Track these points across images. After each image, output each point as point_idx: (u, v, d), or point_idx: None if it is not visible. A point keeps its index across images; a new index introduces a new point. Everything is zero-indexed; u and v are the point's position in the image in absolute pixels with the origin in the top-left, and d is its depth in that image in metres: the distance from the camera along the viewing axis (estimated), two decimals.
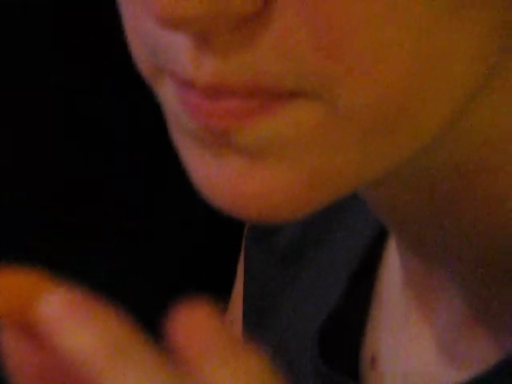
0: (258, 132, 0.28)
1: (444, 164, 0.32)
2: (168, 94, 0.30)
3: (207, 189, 0.30)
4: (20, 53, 0.92)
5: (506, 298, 0.34)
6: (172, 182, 0.92)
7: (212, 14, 0.26)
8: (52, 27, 0.89)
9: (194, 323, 0.23)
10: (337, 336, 0.41)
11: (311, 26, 0.27)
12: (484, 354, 0.34)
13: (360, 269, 0.41)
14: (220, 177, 0.29)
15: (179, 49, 0.28)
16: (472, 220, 0.33)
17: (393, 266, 0.40)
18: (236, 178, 0.29)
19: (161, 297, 0.99)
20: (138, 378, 0.23)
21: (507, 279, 0.34)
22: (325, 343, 0.40)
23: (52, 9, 0.90)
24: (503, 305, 0.34)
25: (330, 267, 0.44)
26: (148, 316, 0.40)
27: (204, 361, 0.23)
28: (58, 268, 0.32)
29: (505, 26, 0.28)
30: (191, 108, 0.28)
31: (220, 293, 0.43)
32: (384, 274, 0.41)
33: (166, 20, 0.26)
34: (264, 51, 0.27)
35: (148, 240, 0.96)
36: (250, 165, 0.29)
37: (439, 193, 0.33)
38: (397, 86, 0.28)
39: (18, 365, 0.25)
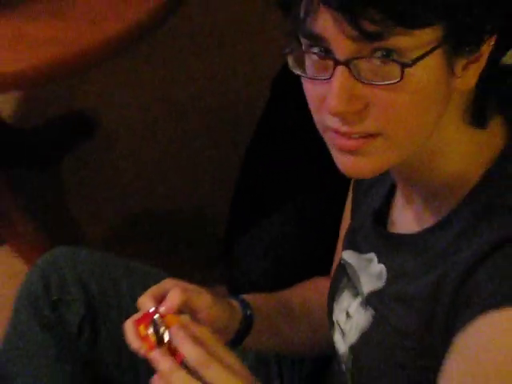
0: (364, 148, 0.87)
1: (419, 152, 0.94)
2: (328, 136, 0.89)
3: (342, 168, 0.89)
4: None
5: (426, 199, 1.01)
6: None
7: (348, 110, 0.85)
8: None
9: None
10: (382, 215, 1.09)
11: (384, 117, 0.86)
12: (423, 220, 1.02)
13: (388, 193, 1.10)
14: (348, 164, 0.90)
15: (335, 121, 0.87)
16: (426, 170, 0.96)
17: (398, 194, 1.08)
18: (354, 165, 0.90)
19: None
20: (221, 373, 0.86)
21: (425, 193, 1.01)
22: (377, 219, 1.09)
23: None
24: (425, 202, 1.01)
25: (377, 194, 1.13)
26: None
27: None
28: None
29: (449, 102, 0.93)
30: (340, 142, 0.88)
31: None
32: (396, 196, 1.09)
33: (333, 113, 0.85)
34: (366, 124, 0.86)
35: None
36: (357, 161, 0.90)
37: (415, 161, 0.95)
38: (414, 135, 0.90)
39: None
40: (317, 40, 0.89)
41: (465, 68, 0.93)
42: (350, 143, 0.92)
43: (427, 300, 0.97)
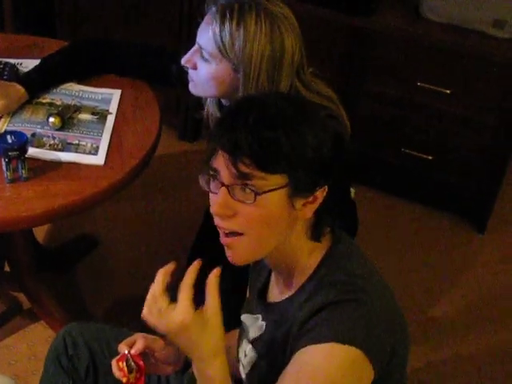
0: (234, 244, 1.16)
1: (280, 252, 1.18)
2: (220, 235, 1.17)
3: (227, 257, 1.17)
4: None
5: (286, 279, 1.24)
6: None
7: (223, 213, 1.13)
8: None
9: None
10: (264, 289, 1.31)
11: (245, 223, 1.14)
12: (287, 292, 1.25)
13: (268, 275, 1.30)
14: (228, 254, 1.18)
15: (217, 219, 1.14)
16: (286, 262, 1.21)
17: (272, 275, 1.28)
18: (230, 255, 1.17)
19: None
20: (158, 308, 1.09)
21: (283, 275, 1.24)
22: (260, 293, 1.31)
23: None
24: (286, 280, 1.24)
25: (262, 275, 1.33)
26: None
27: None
28: None
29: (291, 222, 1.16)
30: (222, 238, 1.17)
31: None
32: (272, 277, 1.29)
33: (215, 214, 1.14)
34: (235, 224, 1.14)
35: None
36: (232, 253, 1.17)
37: (279, 257, 1.20)
38: (267, 239, 1.16)
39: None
40: (215, 171, 1.13)
41: (304, 205, 1.14)
42: (225, 240, 1.17)
43: (283, 341, 1.20)
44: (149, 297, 1.11)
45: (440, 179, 2.87)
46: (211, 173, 1.14)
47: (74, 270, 2.51)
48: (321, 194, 1.15)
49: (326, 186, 1.15)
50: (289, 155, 1.10)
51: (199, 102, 1.76)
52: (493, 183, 2.76)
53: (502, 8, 2.47)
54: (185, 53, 1.66)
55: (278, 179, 1.11)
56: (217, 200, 1.14)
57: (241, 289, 1.47)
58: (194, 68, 1.62)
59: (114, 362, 1.27)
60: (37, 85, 1.92)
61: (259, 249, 1.18)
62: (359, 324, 1.10)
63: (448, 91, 2.58)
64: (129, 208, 2.80)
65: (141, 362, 1.27)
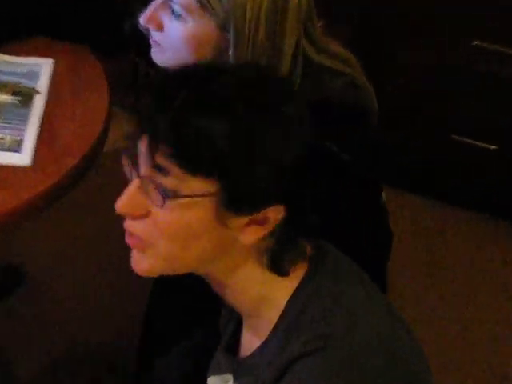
0: (140, 248, 1.15)
1: (227, 280, 1.16)
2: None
3: (131, 262, 1.17)
4: None
5: (253, 324, 1.22)
6: None
7: (123, 213, 1.11)
8: None
9: None
10: (233, 344, 1.31)
11: (152, 228, 1.10)
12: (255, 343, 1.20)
13: (237, 327, 1.31)
14: (132, 258, 1.16)
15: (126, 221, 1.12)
16: (245, 300, 1.18)
17: (243, 328, 1.30)
18: (134, 259, 1.15)
19: None
20: None
21: (250, 320, 1.22)
22: (229, 348, 1.30)
23: None
24: (253, 326, 1.23)
25: (230, 328, 1.33)
26: None
27: None
28: None
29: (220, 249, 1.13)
30: (127, 238, 1.17)
31: None
32: (242, 330, 1.30)
33: (116, 209, 1.11)
34: (141, 228, 1.12)
35: None
36: (138, 256, 1.15)
37: (227, 288, 1.19)
38: (176, 253, 1.13)
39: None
40: (135, 154, 1.13)
41: (248, 225, 1.12)
42: (128, 240, 1.17)
43: None
44: None
45: (506, 177, 2.81)
46: (133, 154, 1.14)
47: None
48: (273, 215, 1.12)
49: (283, 206, 1.12)
50: (222, 154, 1.08)
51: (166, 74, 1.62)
52: None
53: None
54: (143, 5, 1.57)
55: (203, 184, 1.09)
56: (124, 193, 1.15)
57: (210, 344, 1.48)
58: (160, 29, 1.55)
59: None
60: None
61: (167, 265, 1.20)
62: (341, 377, 1.10)
63: None
64: (67, 226, 2.74)
65: None
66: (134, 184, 1.14)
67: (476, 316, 2.65)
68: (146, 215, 1.14)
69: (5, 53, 1.89)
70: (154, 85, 1.20)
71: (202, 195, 1.10)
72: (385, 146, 1.76)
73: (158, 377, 1.71)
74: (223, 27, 1.48)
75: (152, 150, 1.10)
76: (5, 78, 1.83)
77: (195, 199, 1.10)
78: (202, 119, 1.09)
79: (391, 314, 1.23)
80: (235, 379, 1.30)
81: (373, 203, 1.67)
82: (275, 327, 1.20)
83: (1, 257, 2.62)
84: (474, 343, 2.52)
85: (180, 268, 1.20)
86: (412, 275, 2.62)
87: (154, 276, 1.21)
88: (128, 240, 1.17)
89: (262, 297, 1.21)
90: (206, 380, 1.44)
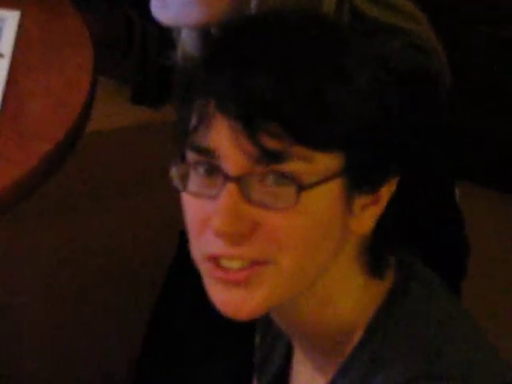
0: (249, 279, 0.91)
1: (309, 297, 0.98)
2: (208, 267, 0.90)
3: (220, 303, 0.92)
4: None
5: (316, 353, 1.05)
6: None
7: (234, 231, 0.88)
8: None
9: None
10: (281, 375, 1.14)
11: (274, 242, 0.88)
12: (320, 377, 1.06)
13: (287, 353, 1.12)
14: (227, 298, 0.92)
15: (219, 245, 0.89)
16: (316, 321, 1.00)
17: (295, 355, 1.12)
18: (234, 300, 0.92)
19: None
20: None
21: (314, 347, 1.04)
22: (276, 380, 1.16)
23: None
24: (316, 355, 1.05)
25: (277, 352, 1.17)
26: None
27: None
28: None
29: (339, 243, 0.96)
30: (221, 275, 0.90)
31: None
32: (294, 358, 1.12)
33: (219, 233, 0.88)
34: (254, 248, 0.89)
35: None
36: (239, 295, 0.92)
37: (305, 307, 0.99)
38: (306, 266, 0.93)
39: None
40: (206, 155, 0.92)
41: (363, 209, 0.98)
42: (237, 275, 0.94)
43: None
44: None
45: None
46: (200, 159, 0.95)
47: None
48: (387, 191, 1.01)
49: (396, 180, 1.03)
50: (346, 116, 0.95)
51: (166, 35, 1.55)
52: None
53: None
54: None
55: (330, 161, 0.95)
56: (221, 208, 0.93)
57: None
58: None
59: None
60: None
61: (293, 283, 1.02)
62: None
63: None
64: (44, 235, 2.50)
65: None
66: (231, 191, 0.93)
67: None
68: (251, 231, 0.94)
69: None
70: (220, 42, 1.04)
71: (333, 176, 0.95)
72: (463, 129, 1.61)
73: None
74: None
75: (252, 131, 0.91)
76: None
77: (325, 184, 0.95)
78: (311, 74, 0.96)
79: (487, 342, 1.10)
80: None
81: (446, 202, 1.54)
82: (353, 355, 1.04)
83: None
84: None
85: (303, 284, 1.03)
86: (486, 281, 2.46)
87: (263, 314, 1.04)
88: (235, 277, 0.97)
89: (352, 316, 1.06)
90: None
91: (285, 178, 0.94)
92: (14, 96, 1.58)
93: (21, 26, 1.72)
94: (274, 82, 0.94)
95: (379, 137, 0.99)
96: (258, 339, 1.26)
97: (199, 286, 1.04)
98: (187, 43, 1.48)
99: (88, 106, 1.60)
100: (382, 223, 1.03)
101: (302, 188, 0.92)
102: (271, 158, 0.92)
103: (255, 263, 0.96)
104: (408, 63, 1.35)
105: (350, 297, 1.05)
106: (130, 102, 2.88)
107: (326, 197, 0.97)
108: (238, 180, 0.92)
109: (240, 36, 1.01)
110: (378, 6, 1.40)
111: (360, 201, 0.99)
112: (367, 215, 1.01)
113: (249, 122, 0.92)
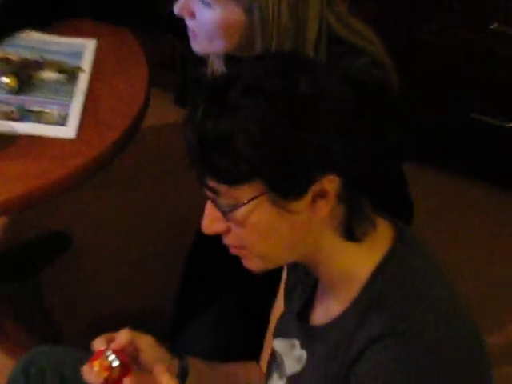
0: (241, 254, 1.14)
1: (309, 256, 1.15)
2: None
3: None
4: None
5: (334, 293, 1.18)
6: None
7: (213, 230, 1.13)
8: None
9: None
10: (306, 308, 1.26)
11: (239, 239, 1.11)
12: (334, 310, 1.18)
13: (312, 290, 1.27)
14: (243, 263, 1.15)
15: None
16: (323, 268, 1.16)
17: (318, 290, 1.26)
18: (245, 264, 1.15)
19: None
20: None
21: (330, 288, 1.19)
22: (300, 312, 1.26)
23: None
24: (333, 295, 1.19)
25: (302, 290, 1.29)
26: None
27: None
28: None
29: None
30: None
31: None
32: (317, 293, 1.26)
33: (204, 231, 1.14)
34: (232, 239, 1.12)
35: None
36: (245, 262, 1.15)
37: (311, 262, 1.16)
38: (272, 253, 1.13)
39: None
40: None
41: (313, 201, 1.10)
42: (232, 251, 1.18)
43: (334, 380, 1.15)
44: None
45: None
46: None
47: (38, 278, 2.50)
48: (329, 183, 1.09)
49: (334, 175, 1.09)
50: (250, 157, 1.06)
51: (199, 56, 1.69)
52: None
53: None
54: None
55: (249, 189, 1.08)
56: (204, 216, 1.16)
57: (259, 304, 1.51)
58: (193, 17, 1.56)
59: (85, 366, 1.22)
60: None
61: (271, 261, 1.19)
62: (419, 373, 1.06)
63: None
64: (108, 197, 2.80)
65: (125, 358, 1.23)
66: (208, 206, 1.16)
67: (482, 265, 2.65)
68: (228, 229, 1.16)
69: (51, 33, 1.95)
70: (191, 99, 1.16)
71: (255, 198, 1.10)
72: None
73: (188, 339, 1.74)
74: (249, 11, 1.49)
75: (201, 177, 1.12)
76: (51, 57, 1.88)
77: (251, 204, 1.10)
78: (221, 124, 1.07)
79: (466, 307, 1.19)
80: (303, 345, 1.29)
81: (397, 173, 1.69)
82: (356, 300, 1.18)
83: (48, 224, 2.67)
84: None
85: (277, 261, 1.21)
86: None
87: (267, 271, 1.23)
88: (232, 251, 1.20)
89: (347, 269, 1.19)
90: (232, 348, 1.53)
91: (217, 206, 1.13)
92: (92, 98, 1.80)
93: (97, 50, 1.93)
94: (199, 154, 1.10)
95: (287, 163, 1.09)
96: (284, 276, 1.41)
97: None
98: (213, 62, 1.68)
99: (144, 106, 1.81)
100: (350, 201, 1.15)
101: (224, 212, 1.12)
102: (213, 191, 1.11)
103: (237, 247, 1.17)
104: (370, 76, 1.49)
105: (344, 256, 1.18)
106: (174, 104, 3.18)
107: (257, 212, 1.11)
108: (210, 200, 1.14)
109: (193, 101, 1.13)
110: (348, 30, 1.55)
111: (300, 202, 1.11)
112: (319, 207, 1.12)
113: (199, 175, 1.11)
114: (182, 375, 1.35)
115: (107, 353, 1.23)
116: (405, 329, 1.08)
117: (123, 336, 1.25)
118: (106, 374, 1.20)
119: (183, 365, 1.35)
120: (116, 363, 1.21)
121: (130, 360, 1.25)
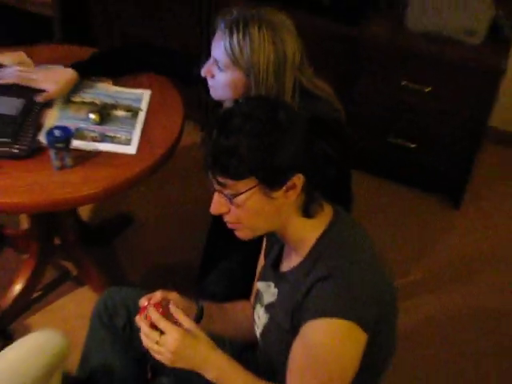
0: (236, 228, 1.15)
1: (280, 227, 1.16)
2: None
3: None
4: None
5: (294, 251, 1.20)
6: None
7: (218, 211, 1.14)
8: None
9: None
10: (277, 260, 1.27)
11: (236, 218, 1.14)
12: (294, 261, 1.19)
13: (281, 247, 1.28)
14: (237, 234, 1.17)
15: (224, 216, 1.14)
16: (288, 235, 1.17)
17: (285, 248, 1.24)
18: (238, 234, 1.16)
19: None
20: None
21: (292, 247, 1.20)
22: (274, 263, 1.27)
23: None
24: (294, 252, 1.22)
25: (275, 248, 1.26)
26: None
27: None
28: None
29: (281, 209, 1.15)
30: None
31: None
32: (284, 249, 1.25)
33: (211, 211, 1.15)
34: (231, 218, 1.13)
35: None
36: (238, 233, 1.16)
37: (281, 231, 1.17)
38: (258, 226, 1.16)
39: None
40: (209, 180, 1.15)
41: (286, 191, 1.13)
42: (229, 225, 1.19)
43: (293, 308, 1.17)
44: (143, 339, 1.15)
45: (422, 163, 2.79)
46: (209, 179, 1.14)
47: (112, 244, 2.52)
48: (298, 180, 1.12)
49: (301, 174, 1.11)
50: (248, 161, 1.07)
51: (218, 100, 1.71)
52: (466, 165, 2.68)
53: (470, 19, 2.43)
54: (204, 62, 1.62)
55: (247, 183, 1.09)
56: (213, 202, 1.15)
57: (251, 262, 1.48)
58: (213, 77, 1.59)
59: (137, 317, 1.24)
60: (86, 69, 1.87)
61: (257, 231, 1.18)
62: (343, 297, 1.08)
63: (427, 89, 2.52)
64: (157, 191, 2.78)
65: (160, 309, 1.23)
66: (215, 195, 1.16)
67: (393, 239, 2.56)
68: (228, 210, 1.15)
69: (121, 85, 1.97)
70: (206, 128, 1.16)
71: (251, 189, 1.11)
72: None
73: (209, 284, 1.74)
74: (247, 75, 1.52)
75: (213, 174, 1.13)
76: (121, 102, 1.91)
77: (248, 192, 1.11)
78: (228, 141, 1.09)
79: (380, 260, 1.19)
80: (275, 285, 1.28)
81: (344, 174, 1.65)
82: (307, 256, 1.19)
83: (118, 208, 2.65)
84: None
85: (261, 231, 1.20)
86: None
87: (255, 238, 1.20)
88: (229, 225, 1.18)
89: (303, 235, 1.19)
90: (240, 289, 1.48)
91: (225, 194, 1.13)
92: (147, 129, 1.81)
93: (151, 96, 1.94)
94: (212, 151, 1.09)
95: (272, 167, 1.09)
96: (265, 242, 1.40)
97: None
98: (227, 103, 1.66)
99: (180, 132, 1.82)
100: (307, 190, 1.16)
101: (230, 198, 1.12)
102: (221, 185, 1.11)
103: (234, 223, 1.16)
104: (329, 116, 1.52)
105: (303, 229, 1.19)
106: (200, 130, 3.01)
107: (252, 199, 1.11)
108: (217, 190, 1.15)
109: (207, 127, 1.14)
110: (312, 84, 1.57)
111: (278, 192, 1.11)
112: (290, 195, 1.14)
113: (211, 170, 1.12)
114: (199, 316, 1.35)
115: (149, 307, 1.23)
116: (336, 273, 1.10)
117: (158, 294, 1.26)
118: (149, 321, 1.21)
119: (199, 308, 1.35)
120: (154, 314, 1.21)
121: (165, 310, 1.23)
